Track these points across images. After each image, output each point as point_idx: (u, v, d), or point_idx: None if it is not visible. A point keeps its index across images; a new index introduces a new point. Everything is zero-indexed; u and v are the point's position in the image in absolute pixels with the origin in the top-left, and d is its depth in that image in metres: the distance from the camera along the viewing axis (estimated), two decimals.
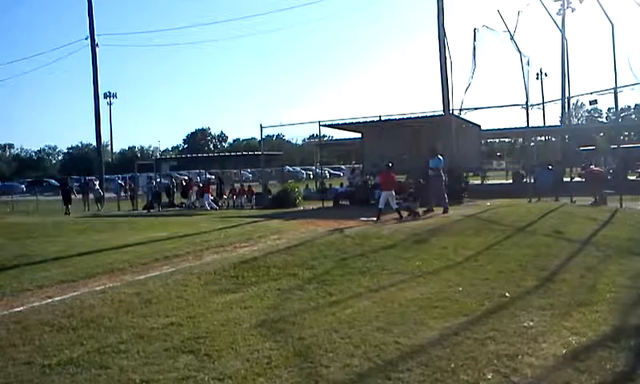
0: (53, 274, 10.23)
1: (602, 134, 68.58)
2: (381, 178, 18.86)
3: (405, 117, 26.55)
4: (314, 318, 7.05)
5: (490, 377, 4.95)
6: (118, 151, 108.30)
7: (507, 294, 7.87)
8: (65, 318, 7.38)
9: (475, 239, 12.68)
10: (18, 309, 7.95)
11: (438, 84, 28.78)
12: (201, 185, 32.72)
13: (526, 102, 25.73)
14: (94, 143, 49.66)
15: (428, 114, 26.75)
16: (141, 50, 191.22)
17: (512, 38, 25.86)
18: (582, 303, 7.19)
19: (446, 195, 18.99)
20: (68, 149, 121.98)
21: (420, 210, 18.38)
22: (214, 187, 33.03)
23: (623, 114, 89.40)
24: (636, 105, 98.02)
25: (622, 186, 21.74)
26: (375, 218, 17.28)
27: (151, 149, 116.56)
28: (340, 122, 27.68)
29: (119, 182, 42.06)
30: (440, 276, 9.37)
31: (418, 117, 26.10)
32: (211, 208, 29.02)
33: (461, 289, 8.32)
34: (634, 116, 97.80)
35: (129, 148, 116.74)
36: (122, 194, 37.71)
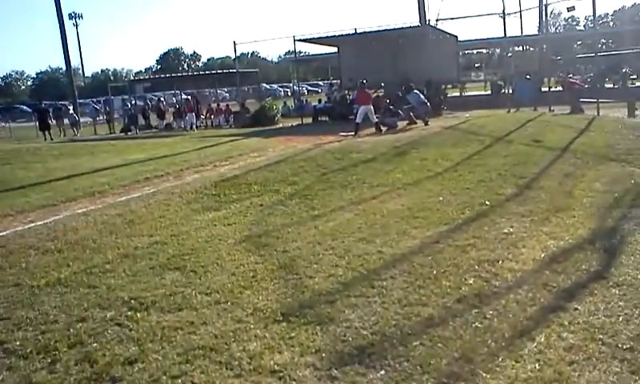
0: (33, 199, 10.14)
1: (579, 42, 68.33)
2: (357, 94, 18.70)
3: (381, 29, 26.09)
4: (297, 232, 7.12)
5: (471, 282, 5.07)
6: (90, 75, 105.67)
7: (487, 202, 7.99)
8: (49, 240, 7.36)
9: (455, 150, 12.76)
10: (2, 233, 7.91)
11: None
12: (177, 106, 32.23)
13: (503, 11, 25.51)
14: (64, 67, 48.23)
15: (404, 27, 26.32)
16: None
17: None
18: (559, 209, 7.33)
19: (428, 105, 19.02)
20: (37, 74, 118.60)
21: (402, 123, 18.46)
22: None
23: (601, 22, 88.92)
24: (614, 11, 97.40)
25: (599, 94, 21.86)
26: (353, 133, 17.28)
27: (124, 71, 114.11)
28: (315, 36, 27.12)
29: (94, 105, 41.25)
30: (421, 187, 9.46)
31: (395, 29, 25.65)
32: (190, 128, 28.76)
33: (441, 199, 8.42)
34: (611, 23, 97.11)
35: (101, 71, 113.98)
36: (98, 117, 37.04)
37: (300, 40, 27.52)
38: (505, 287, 4.93)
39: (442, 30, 27.61)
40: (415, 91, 19.28)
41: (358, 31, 25.72)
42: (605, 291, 4.65)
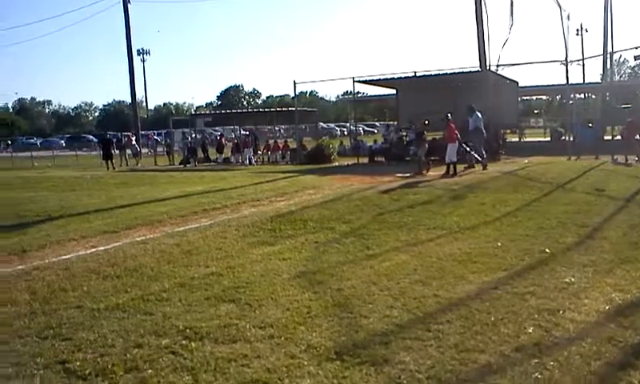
0: (95, 225, 10.44)
1: None
2: (448, 130, 18.38)
3: (441, 73, 26.07)
4: (352, 271, 7.09)
5: (530, 331, 4.92)
6: (152, 108, 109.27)
7: (547, 250, 7.79)
8: (109, 266, 7.55)
9: (514, 196, 12.54)
10: (66, 256, 8.15)
11: (475, 39, 28.34)
12: (236, 141, 32.88)
13: (566, 58, 25.12)
14: (129, 100, 50.07)
15: (465, 71, 26.25)
16: (173, 5, 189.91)
17: None
18: (625, 260, 7.06)
19: (484, 151, 18.76)
20: (104, 105, 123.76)
21: (460, 167, 18.22)
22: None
23: None
24: None
25: None
26: (451, 173, 17.03)
27: (185, 105, 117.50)
28: (374, 78, 27.35)
29: (155, 137, 42.50)
30: (478, 232, 9.30)
31: (455, 73, 25.62)
32: (249, 163, 29.27)
33: (500, 244, 8.25)
34: None
35: (163, 104, 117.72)
36: (159, 149, 38.11)
37: (359, 81, 27.76)
38: (566, 338, 4.76)
39: (503, 76, 27.37)
40: (477, 114, 18.98)
41: (417, 74, 25.75)
42: None
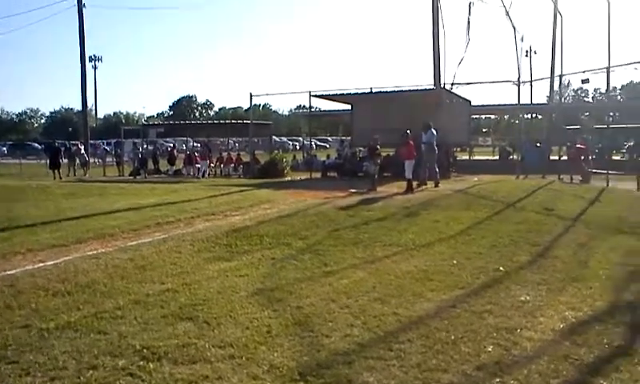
0: (43, 238, 10.07)
1: (587, 113, 69.00)
2: (404, 147, 18.49)
3: (396, 90, 26.42)
4: (311, 288, 7.05)
5: (490, 349, 4.99)
6: (101, 116, 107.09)
7: (501, 269, 7.94)
8: (59, 282, 7.28)
9: (466, 213, 12.74)
10: (11, 272, 7.81)
11: (430, 57, 28.83)
12: (188, 153, 32.52)
13: (518, 79, 25.88)
14: (77, 107, 49.02)
15: (419, 88, 26.67)
16: (126, 12, 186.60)
17: (507, 14, 25.86)
18: (576, 279, 7.26)
19: (437, 169, 19.04)
20: (50, 113, 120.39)
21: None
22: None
23: (611, 95, 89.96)
24: (622, 86, 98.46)
25: (606, 165, 21.96)
26: (408, 190, 17.19)
27: (136, 115, 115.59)
28: (331, 92, 27.54)
29: (104, 147, 41.61)
30: (433, 249, 9.42)
31: (410, 90, 26.00)
32: (203, 176, 28.99)
33: (455, 262, 8.37)
34: (619, 97, 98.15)
35: (113, 113, 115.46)
36: (108, 159, 37.33)
37: (316, 96, 27.89)
38: (525, 357, 4.85)
39: (457, 94, 27.92)
40: (433, 131, 19.22)
41: (373, 90, 26.03)
42: (631, 368, 4.56)
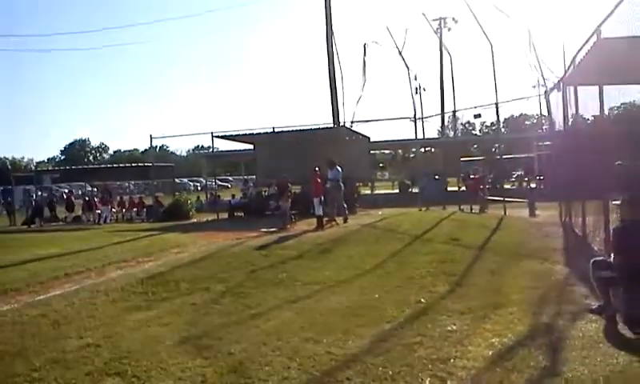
0: None
1: (475, 146, 72.83)
2: (313, 184, 18.62)
3: (297, 129, 26.86)
4: (239, 332, 6.91)
5: (428, 381, 5.07)
6: None
7: (423, 300, 8.12)
8: None
9: (378, 247, 13.02)
10: None
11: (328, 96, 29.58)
12: (87, 198, 31.18)
13: (414, 115, 26.96)
14: None
15: (320, 127, 27.23)
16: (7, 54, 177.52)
17: (400, 54, 27.03)
18: (495, 306, 7.53)
19: (345, 205, 19.37)
20: None
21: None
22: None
23: (494, 128, 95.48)
24: (504, 119, 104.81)
25: (500, 194, 23.26)
26: (318, 226, 17.19)
27: (24, 160, 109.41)
28: (233, 133, 27.46)
29: None
30: (353, 284, 9.51)
31: (311, 129, 26.49)
32: (104, 222, 27.87)
33: (377, 296, 8.49)
34: (502, 130, 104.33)
35: None
36: None
37: (218, 136, 27.73)
38: None
39: (356, 131, 28.75)
40: (338, 168, 19.54)
41: (275, 130, 26.26)
42: None
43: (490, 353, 5.74)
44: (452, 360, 5.56)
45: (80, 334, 7.04)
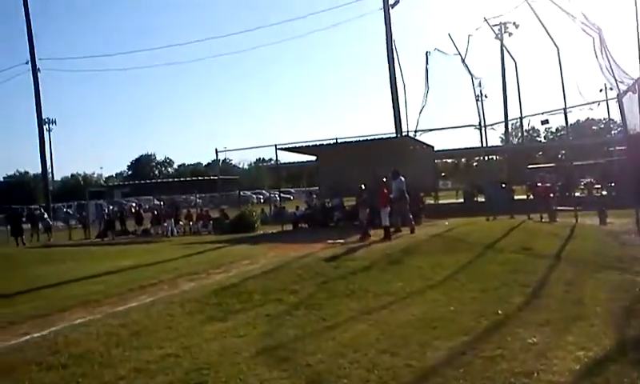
0: (22, 309, 9.73)
1: (540, 153, 71.05)
2: (380, 195, 18.50)
3: (361, 140, 26.84)
4: (315, 344, 6.93)
5: None
6: (58, 179, 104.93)
7: (500, 312, 7.95)
8: (51, 354, 6.98)
9: (448, 258, 12.80)
10: None
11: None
12: (155, 212, 32.06)
13: (479, 123, 26.55)
14: (32, 171, 47.81)
15: (384, 137, 27.13)
16: (78, 74, 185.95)
17: (463, 61, 26.69)
18: (575, 318, 7.32)
19: (410, 215, 19.21)
20: (4, 177, 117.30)
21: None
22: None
23: (560, 134, 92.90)
24: (570, 125, 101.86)
25: (569, 202, 22.54)
26: (385, 236, 17.30)
27: (94, 176, 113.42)
28: (297, 144, 27.71)
29: (67, 210, 40.76)
30: (426, 296, 9.41)
31: (374, 139, 26.42)
32: (171, 234, 28.62)
33: (452, 308, 8.36)
34: (569, 136, 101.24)
35: (71, 175, 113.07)
36: (71, 222, 36.51)
37: (282, 149, 28.02)
38: None
39: (420, 141, 28.54)
40: (402, 178, 19.44)
41: (338, 141, 26.33)
42: None
43: (577, 367, 5.56)
44: (536, 374, 5.42)
45: (159, 344, 7.22)
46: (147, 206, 40.41)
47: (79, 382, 6.04)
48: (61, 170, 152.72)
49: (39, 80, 46.50)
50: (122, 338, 7.57)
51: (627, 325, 6.99)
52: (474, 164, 52.12)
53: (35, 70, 46.33)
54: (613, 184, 32.83)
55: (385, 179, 18.80)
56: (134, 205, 39.19)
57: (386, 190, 18.46)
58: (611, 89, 21.41)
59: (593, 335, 6.53)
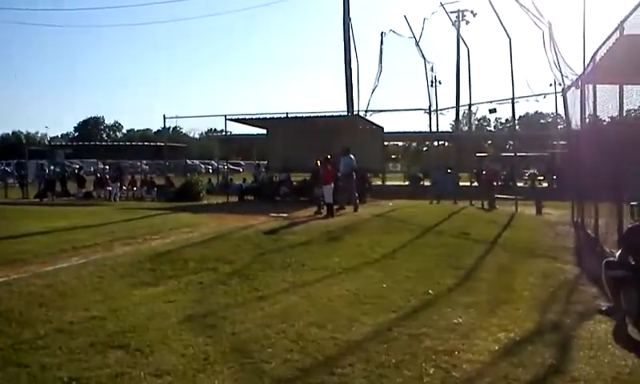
0: None
1: (489, 142, 72.48)
2: (324, 172, 18.41)
3: (312, 116, 26.73)
4: (244, 313, 6.89)
5: (432, 372, 5.02)
6: None
7: (430, 291, 8.05)
8: None
9: (388, 237, 12.92)
10: None
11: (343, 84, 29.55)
12: (99, 175, 31.30)
13: (429, 107, 26.72)
14: None
15: (335, 115, 27.10)
16: (27, 28, 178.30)
17: (417, 44, 26.75)
18: (503, 301, 7.48)
19: (356, 194, 19.30)
20: None
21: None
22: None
23: (509, 124, 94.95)
24: (519, 116, 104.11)
25: (511, 191, 23.04)
26: (326, 213, 17.37)
27: (38, 135, 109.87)
28: (247, 116, 27.40)
29: (5, 168, 39.40)
30: (361, 272, 9.47)
31: (326, 116, 26.40)
32: (113, 199, 28.01)
33: (385, 285, 8.44)
34: (517, 127, 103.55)
35: (12, 133, 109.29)
36: (9, 180, 35.29)
37: (231, 119, 27.66)
38: (466, 379, 4.93)
39: (370, 121, 28.57)
40: (351, 156, 19.48)
41: (288, 115, 26.18)
42: None
43: (496, 347, 5.68)
44: (457, 352, 5.50)
45: (86, 306, 7.05)
46: (92, 169, 39.38)
47: None
48: (2, 127, 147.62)
49: None
50: (46, 298, 7.36)
51: (549, 310, 7.18)
52: (424, 149, 52.55)
53: None
54: (555, 177, 33.73)
55: (329, 156, 18.75)
56: (77, 167, 38.10)
57: (330, 167, 18.44)
58: (560, 84, 21.85)
59: (516, 318, 6.68)
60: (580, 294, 7.99)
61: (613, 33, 9.00)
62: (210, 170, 58.19)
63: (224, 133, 31.56)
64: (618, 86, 9.99)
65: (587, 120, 13.25)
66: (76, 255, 10.22)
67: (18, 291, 7.65)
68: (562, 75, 19.12)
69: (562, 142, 32.32)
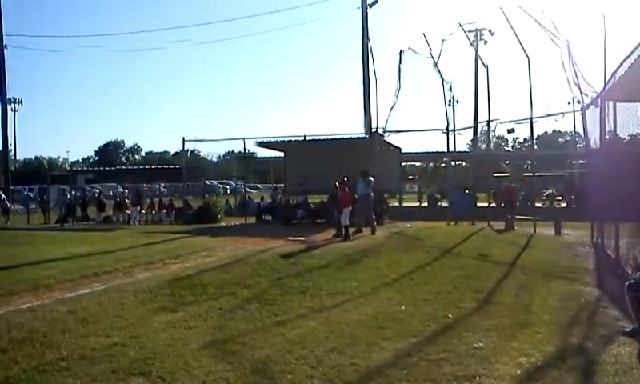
0: None
1: (507, 162, 72.12)
2: (341, 195, 18.41)
3: (329, 138, 26.84)
4: (264, 339, 6.91)
5: None
6: (21, 160, 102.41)
7: (450, 315, 8.02)
8: None
9: (406, 260, 12.89)
10: None
11: (361, 105, 29.69)
12: (118, 199, 31.57)
13: (447, 127, 26.75)
14: None
15: (353, 136, 27.22)
16: (48, 54, 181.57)
17: (435, 65, 26.86)
18: (523, 324, 7.43)
19: (373, 216, 19.28)
20: None
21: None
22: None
23: (527, 144, 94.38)
24: (537, 136, 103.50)
25: (530, 212, 22.87)
26: (343, 237, 17.30)
27: (59, 160, 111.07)
28: (265, 139, 27.60)
29: (28, 193, 39.92)
30: (379, 296, 9.43)
31: (344, 138, 26.49)
32: (133, 223, 28.23)
33: (404, 308, 8.41)
34: (535, 146, 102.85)
35: (35, 158, 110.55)
36: (31, 206, 35.75)
37: (254, 143, 27.96)
38: None
39: (387, 142, 28.65)
40: (370, 178, 19.49)
41: (306, 138, 26.31)
42: None
43: (518, 372, 5.64)
44: (478, 378, 5.48)
45: (107, 332, 7.11)
46: (111, 193, 39.72)
47: (17, 361, 5.92)
48: (24, 152, 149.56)
49: (5, 57, 45.06)
50: (68, 325, 7.42)
51: (570, 333, 7.12)
52: (442, 165, 52.36)
53: (1, 46, 44.89)
54: (573, 197, 33.44)
55: (346, 179, 18.79)
56: (96, 191, 38.49)
57: (347, 189, 18.47)
58: (579, 102, 21.75)
59: (537, 342, 6.63)
60: (602, 316, 7.90)
61: (634, 50, 8.93)
62: (228, 191, 58.45)
63: (243, 153, 31.70)
64: (638, 104, 9.93)
65: (607, 138, 13.15)
66: (97, 281, 10.31)
67: (41, 317, 7.72)
68: (581, 93, 19.00)
69: (581, 161, 32.07)
